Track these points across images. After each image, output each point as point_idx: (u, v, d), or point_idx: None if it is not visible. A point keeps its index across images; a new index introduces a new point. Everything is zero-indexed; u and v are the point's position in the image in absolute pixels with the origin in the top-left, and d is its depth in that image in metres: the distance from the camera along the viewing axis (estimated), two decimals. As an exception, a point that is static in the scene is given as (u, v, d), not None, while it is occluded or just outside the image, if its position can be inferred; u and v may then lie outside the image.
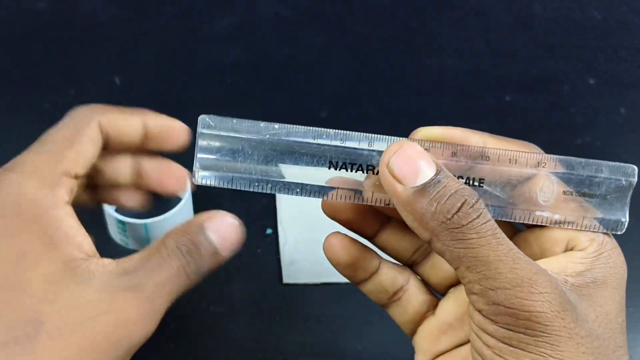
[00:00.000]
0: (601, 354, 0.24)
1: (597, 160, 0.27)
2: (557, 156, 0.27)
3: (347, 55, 0.63)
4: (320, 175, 0.27)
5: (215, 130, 0.27)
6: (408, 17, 0.68)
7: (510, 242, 0.24)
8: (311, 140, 0.27)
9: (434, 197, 0.24)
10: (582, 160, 0.27)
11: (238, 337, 0.44)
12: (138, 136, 0.31)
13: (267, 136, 0.27)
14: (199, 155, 0.27)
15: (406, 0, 0.69)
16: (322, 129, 0.27)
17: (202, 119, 0.27)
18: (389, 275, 0.31)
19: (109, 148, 0.30)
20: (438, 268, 0.31)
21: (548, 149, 0.28)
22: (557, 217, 0.27)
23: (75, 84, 0.58)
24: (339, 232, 0.30)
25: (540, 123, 0.59)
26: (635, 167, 0.27)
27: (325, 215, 0.30)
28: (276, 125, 0.27)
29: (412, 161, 0.25)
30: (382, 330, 0.44)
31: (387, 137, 0.27)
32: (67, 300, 0.24)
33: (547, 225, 0.28)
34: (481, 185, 0.27)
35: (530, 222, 0.28)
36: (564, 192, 0.27)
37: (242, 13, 0.65)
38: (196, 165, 0.27)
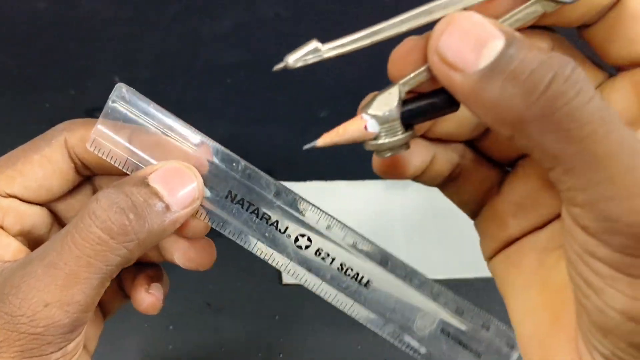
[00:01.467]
0: None
1: (488, 315, 0.26)
2: (453, 295, 0.26)
3: (347, 55, 0.63)
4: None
5: (127, 106, 0.25)
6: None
7: (626, 128, 0.17)
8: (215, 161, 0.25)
9: (508, 77, 0.17)
10: (475, 308, 0.26)
11: (238, 337, 0.44)
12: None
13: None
14: (99, 125, 0.25)
15: (406, 0, 0.69)
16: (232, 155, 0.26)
17: (119, 88, 0.25)
18: (443, 158, 0.25)
19: (91, 170, 0.27)
20: (500, 141, 0.25)
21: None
22: (423, 350, 0.26)
23: (75, 84, 0.58)
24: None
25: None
26: None
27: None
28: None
29: (469, 35, 0.18)
30: (382, 330, 0.44)
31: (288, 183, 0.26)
32: None
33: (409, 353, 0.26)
34: (367, 285, 0.26)
35: (396, 344, 0.26)
36: (442, 331, 0.26)
37: (242, 13, 0.65)
38: (94, 131, 0.25)
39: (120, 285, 0.30)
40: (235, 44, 0.63)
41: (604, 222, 0.17)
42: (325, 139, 0.22)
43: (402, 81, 0.22)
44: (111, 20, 0.64)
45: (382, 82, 0.24)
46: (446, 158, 0.25)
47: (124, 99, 0.25)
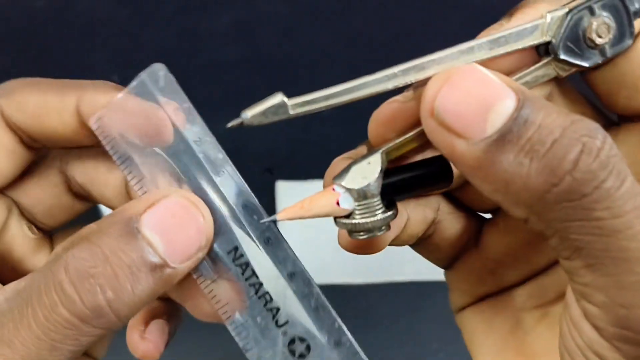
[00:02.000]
0: None
1: None
2: None
3: (347, 53, 0.63)
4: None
5: (160, 93, 0.20)
6: (409, 15, 0.67)
7: None
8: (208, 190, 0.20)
9: (524, 148, 0.14)
10: None
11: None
12: (73, 124, 0.20)
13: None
14: (122, 96, 0.20)
15: (407, 0, 0.68)
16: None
17: (156, 70, 0.20)
18: (417, 218, 0.21)
19: (42, 142, 0.21)
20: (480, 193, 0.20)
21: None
22: None
23: (73, 82, 0.58)
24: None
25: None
26: None
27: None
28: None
29: (472, 94, 0.15)
30: (382, 330, 0.44)
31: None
32: None
33: None
34: None
35: None
36: None
37: (241, 10, 0.65)
38: (111, 106, 0.20)
39: None
40: (235, 41, 0.63)
41: (622, 330, 0.15)
42: (288, 214, 0.18)
43: (384, 148, 0.18)
44: (109, 19, 0.63)
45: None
46: (420, 218, 0.21)
47: (157, 82, 0.20)
